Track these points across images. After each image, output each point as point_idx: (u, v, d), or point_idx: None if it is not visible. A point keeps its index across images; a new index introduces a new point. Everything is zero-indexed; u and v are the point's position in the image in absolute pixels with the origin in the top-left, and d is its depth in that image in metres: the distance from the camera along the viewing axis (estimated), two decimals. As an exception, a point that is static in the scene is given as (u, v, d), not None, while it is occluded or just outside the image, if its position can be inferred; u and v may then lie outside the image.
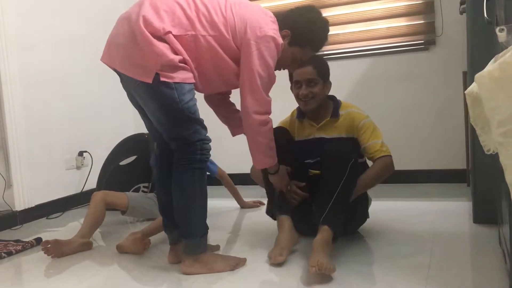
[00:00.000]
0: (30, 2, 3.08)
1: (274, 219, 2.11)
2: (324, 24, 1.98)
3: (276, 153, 1.91)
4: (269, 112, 1.84)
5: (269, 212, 2.16)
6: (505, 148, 0.86)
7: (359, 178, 2.00)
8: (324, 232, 1.80)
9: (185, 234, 1.80)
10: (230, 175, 3.00)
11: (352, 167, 1.90)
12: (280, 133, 2.10)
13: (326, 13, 3.47)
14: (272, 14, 1.90)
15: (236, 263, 1.84)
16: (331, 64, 2.17)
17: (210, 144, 1.80)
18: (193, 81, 1.75)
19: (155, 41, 1.65)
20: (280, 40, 1.83)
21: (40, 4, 3.15)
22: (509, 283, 1.44)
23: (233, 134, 2.12)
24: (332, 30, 3.44)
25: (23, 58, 2.99)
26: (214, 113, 2.15)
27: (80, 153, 3.40)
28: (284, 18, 1.92)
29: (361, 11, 3.41)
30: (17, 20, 2.96)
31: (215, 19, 1.75)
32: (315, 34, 1.96)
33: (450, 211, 2.51)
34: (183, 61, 1.71)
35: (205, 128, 1.79)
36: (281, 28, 1.87)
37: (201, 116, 1.79)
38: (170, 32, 1.68)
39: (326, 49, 3.52)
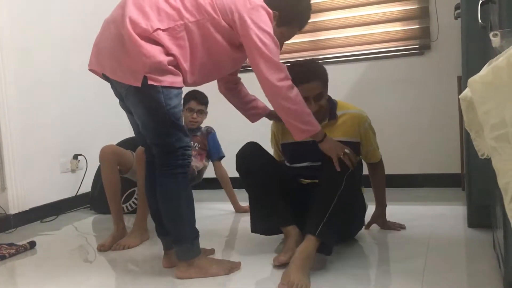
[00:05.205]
0: (25, 5, 3.07)
1: (263, 233, 2.09)
2: (309, 3, 2.01)
3: (311, 119, 1.82)
4: (289, 77, 1.78)
5: (257, 229, 2.07)
6: (498, 153, 0.86)
7: (378, 185, 2.24)
8: (308, 242, 1.72)
9: (176, 240, 1.80)
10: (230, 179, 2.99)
11: (349, 177, 1.84)
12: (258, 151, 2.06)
13: (323, 17, 3.50)
14: None
15: (231, 267, 1.84)
16: (327, 68, 2.17)
17: (191, 150, 1.80)
18: (182, 85, 1.74)
19: (142, 42, 1.64)
20: (270, 10, 1.81)
21: (35, 6, 3.14)
22: (503, 287, 1.44)
23: (252, 121, 2.20)
24: (329, 35, 3.52)
25: (18, 60, 2.97)
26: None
27: (75, 156, 3.39)
28: (270, 1, 1.86)
29: (357, 16, 3.42)
30: (11, 23, 2.94)
31: (200, 1, 1.73)
32: (302, 13, 1.98)
33: (445, 215, 2.51)
34: (173, 62, 1.70)
35: (187, 135, 1.78)
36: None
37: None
38: (158, 28, 1.67)
39: (323, 53, 3.54)
